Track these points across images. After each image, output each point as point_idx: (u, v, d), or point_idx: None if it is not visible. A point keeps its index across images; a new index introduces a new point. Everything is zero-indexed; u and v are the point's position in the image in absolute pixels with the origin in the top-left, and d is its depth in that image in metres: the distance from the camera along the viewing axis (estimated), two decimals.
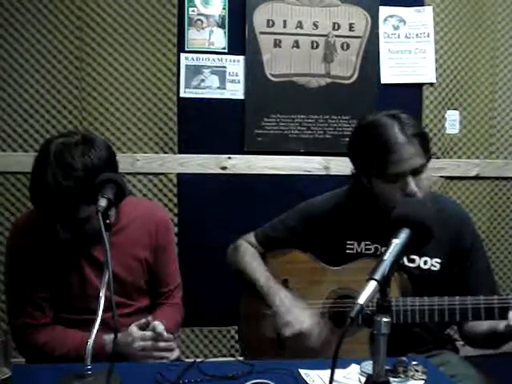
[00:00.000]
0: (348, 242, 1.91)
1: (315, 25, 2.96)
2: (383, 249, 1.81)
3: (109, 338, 1.66)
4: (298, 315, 1.78)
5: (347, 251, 1.90)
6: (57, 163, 1.58)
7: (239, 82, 2.92)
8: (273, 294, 1.84)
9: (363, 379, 1.24)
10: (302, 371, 1.48)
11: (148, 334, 1.67)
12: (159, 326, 1.67)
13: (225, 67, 2.90)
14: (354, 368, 1.48)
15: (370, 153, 1.75)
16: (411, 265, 1.83)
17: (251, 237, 2.04)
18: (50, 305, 1.79)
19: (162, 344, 1.67)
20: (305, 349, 1.77)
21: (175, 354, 1.74)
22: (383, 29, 3.03)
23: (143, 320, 1.72)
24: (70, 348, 1.71)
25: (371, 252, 1.87)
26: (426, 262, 1.83)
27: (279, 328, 1.80)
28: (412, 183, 1.72)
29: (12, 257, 1.81)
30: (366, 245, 1.89)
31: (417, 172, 1.73)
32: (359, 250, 1.89)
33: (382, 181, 1.76)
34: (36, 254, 1.76)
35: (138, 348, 1.65)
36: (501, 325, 1.61)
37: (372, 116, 1.81)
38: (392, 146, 1.70)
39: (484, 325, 1.73)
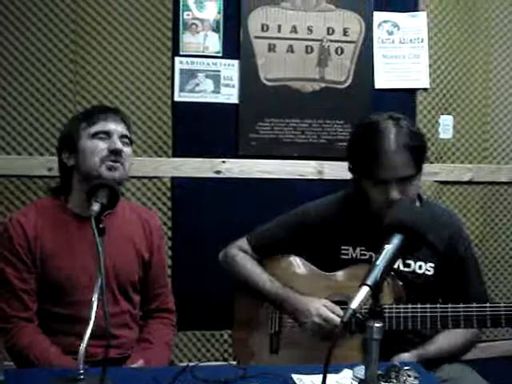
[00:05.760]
0: (343, 247, 1.91)
1: (310, 29, 2.97)
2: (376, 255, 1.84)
3: None
4: (317, 303, 1.82)
5: (342, 256, 1.90)
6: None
7: (234, 86, 2.92)
8: (290, 297, 1.86)
9: None
10: (295, 376, 1.48)
11: None
12: None
13: (219, 71, 2.90)
14: (347, 373, 1.48)
15: (362, 153, 1.78)
16: (407, 269, 1.84)
17: (244, 242, 2.02)
18: (33, 299, 1.78)
19: None
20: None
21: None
22: (377, 34, 3.04)
23: None
24: (42, 358, 1.69)
25: (366, 258, 1.87)
26: (420, 267, 1.84)
27: (306, 321, 1.82)
28: (394, 191, 1.73)
29: (5, 250, 1.79)
30: (361, 250, 1.89)
31: (404, 181, 1.74)
32: (354, 256, 1.89)
33: (369, 182, 1.79)
34: (32, 247, 1.77)
35: None
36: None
37: (374, 116, 1.83)
38: (381, 153, 1.72)
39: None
